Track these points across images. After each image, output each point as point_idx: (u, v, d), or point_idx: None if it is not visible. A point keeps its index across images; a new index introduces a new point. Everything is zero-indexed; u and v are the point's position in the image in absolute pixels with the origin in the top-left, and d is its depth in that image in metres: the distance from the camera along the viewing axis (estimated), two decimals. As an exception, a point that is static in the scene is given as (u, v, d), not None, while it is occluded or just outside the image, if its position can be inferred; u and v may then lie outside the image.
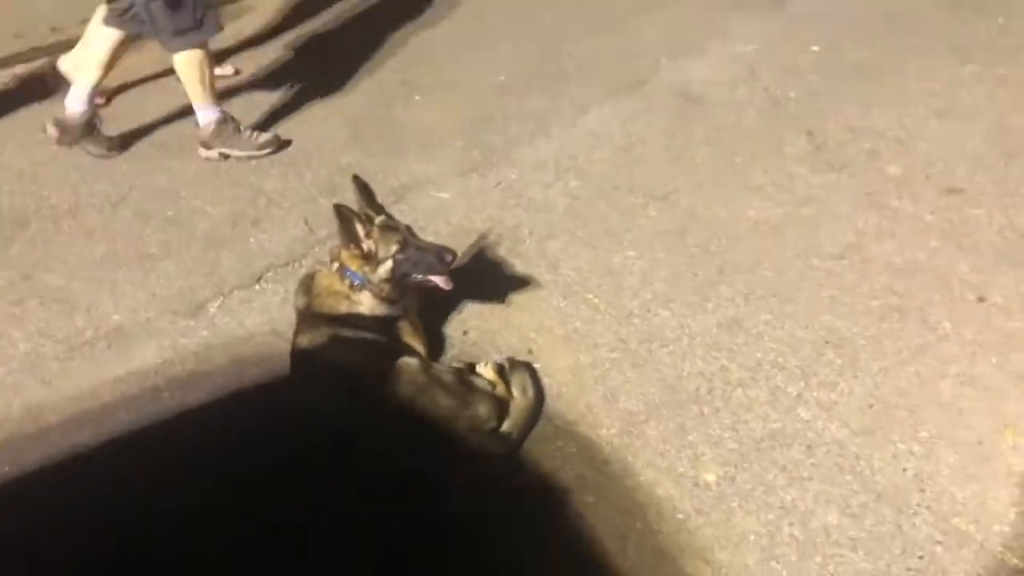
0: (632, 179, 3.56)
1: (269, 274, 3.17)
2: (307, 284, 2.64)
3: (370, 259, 2.55)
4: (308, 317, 2.57)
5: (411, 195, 3.54)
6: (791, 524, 2.16)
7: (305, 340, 2.51)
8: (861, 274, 2.91)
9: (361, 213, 2.59)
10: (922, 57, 4.23)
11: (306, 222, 3.41)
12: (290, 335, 2.72)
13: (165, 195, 3.62)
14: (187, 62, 3.62)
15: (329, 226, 3.29)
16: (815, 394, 2.50)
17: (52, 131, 3.80)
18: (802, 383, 2.54)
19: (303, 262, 3.20)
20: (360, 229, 2.54)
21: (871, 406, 2.45)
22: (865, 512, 2.17)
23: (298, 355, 2.52)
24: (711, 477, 2.29)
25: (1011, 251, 2.93)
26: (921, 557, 2.05)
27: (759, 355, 2.65)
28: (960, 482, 2.22)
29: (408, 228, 2.66)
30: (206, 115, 3.78)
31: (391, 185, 3.61)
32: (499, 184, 3.60)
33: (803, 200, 3.32)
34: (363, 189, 2.71)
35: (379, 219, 2.62)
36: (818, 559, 2.08)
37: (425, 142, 3.92)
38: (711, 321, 2.79)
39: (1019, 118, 3.65)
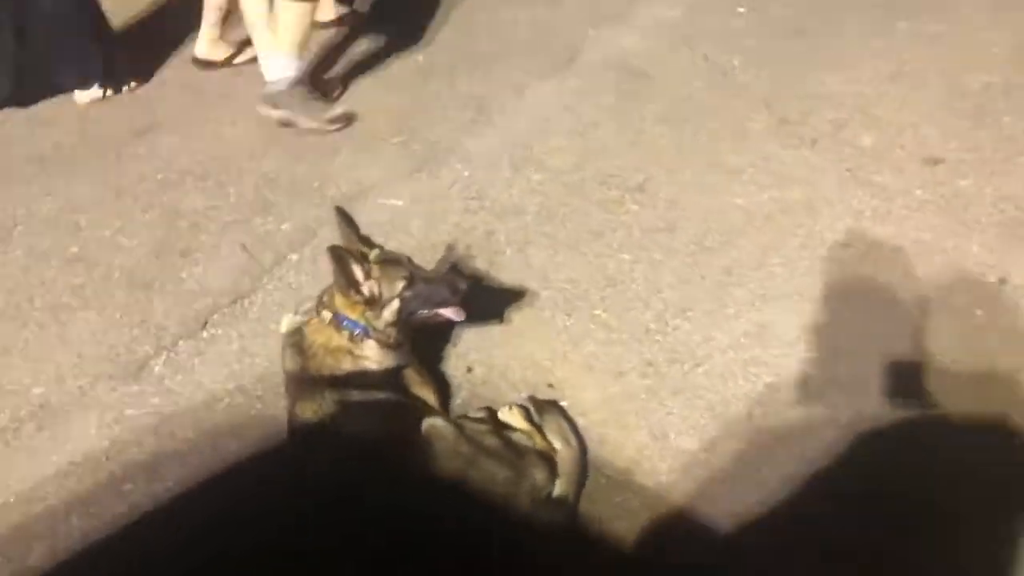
0: (597, 169, 3.28)
1: (215, 316, 2.69)
2: (296, 342, 2.20)
3: (373, 303, 2.16)
4: (305, 382, 2.15)
5: (358, 205, 3.11)
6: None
7: (308, 411, 2.09)
8: (874, 263, 2.76)
9: (354, 250, 2.19)
10: (853, 14, 4.12)
11: (244, 248, 2.93)
12: (261, 392, 2.31)
13: (60, 226, 3.03)
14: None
15: (274, 250, 2.86)
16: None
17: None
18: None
19: (253, 299, 2.74)
20: (358, 270, 2.14)
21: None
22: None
23: (301, 430, 2.10)
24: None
25: (1014, 225, 2.84)
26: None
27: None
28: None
29: (408, 259, 2.29)
30: (286, 66, 3.26)
31: (330, 195, 3.17)
32: (455, 184, 3.23)
33: (786, 182, 3.13)
34: (347, 220, 2.31)
35: (374, 253, 2.24)
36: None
37: (355, 139, 3.48)
38: (737, 330, 2.56)
39: (970, 77, 3.58)
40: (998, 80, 3.54)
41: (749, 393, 2.37)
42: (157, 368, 2.52)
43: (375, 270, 2.17)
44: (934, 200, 2.98)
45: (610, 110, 3.59)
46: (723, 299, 2.67)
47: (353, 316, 2.16)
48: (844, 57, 3.81)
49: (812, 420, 2.29)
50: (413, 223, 3.04)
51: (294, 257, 2.86)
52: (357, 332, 2.17)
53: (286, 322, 2.29)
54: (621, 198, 3.11)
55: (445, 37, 4.16)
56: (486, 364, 2.48)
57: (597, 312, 2.65)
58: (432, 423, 2.08)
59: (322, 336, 2.17)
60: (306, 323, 2.22)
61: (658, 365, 2.47)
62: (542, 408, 2.29)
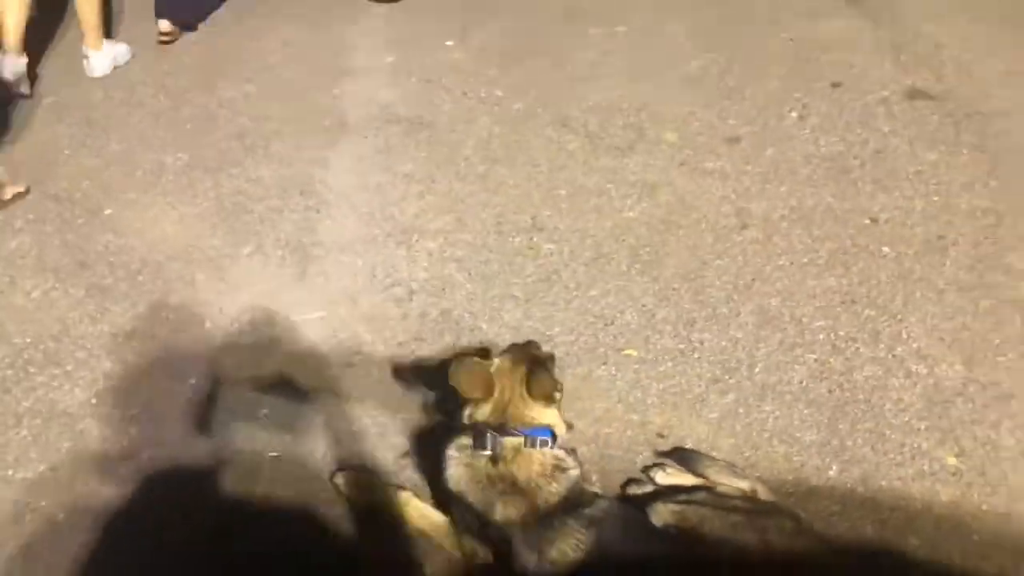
0: (478, 220, 3.13)
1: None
2: (503, 487, 1.80)
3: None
4: (542, 521, 1.78)
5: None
6: None
7: (568, 549, 1.74)
8: (822, 262, 2.95)
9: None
10: (557, 28, 4.38)
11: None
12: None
13: None
14: None
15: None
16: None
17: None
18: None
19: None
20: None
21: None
22: None
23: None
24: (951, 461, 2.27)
25: (837, 171, 3.33)
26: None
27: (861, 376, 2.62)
28: None
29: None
30: None
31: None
32: (357, 276, 2.84)
33: (648, 188, 3.29)
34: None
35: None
36: None
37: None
38: (748, 324, 2.69)
39: (695, 63, 4.04)
40: (713, 60, 4.06)
41: (812, 371, 2.51)
42: None
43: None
44: (767, 172, 3.36)
45: (421, 166, 3.42)
46: (707, 302, 2.76)
47: (542, 423, 1.83)
48: (585, 69, 4.06)
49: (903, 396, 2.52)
50: (359, 328, 2.61)
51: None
52: (547, 440, 1.85)
53: (455, 472, 1.85)
54: (534, 242, 3.02)
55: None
56: (580, 441, 2.25)
57: (628, 352, 2.57)
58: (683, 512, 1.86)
59: (530, 463, 1.81)
60: (494, 460, 1.81)
61: (723, 379, 2.49)
62: (693, 459, 2.18)
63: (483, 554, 1.88)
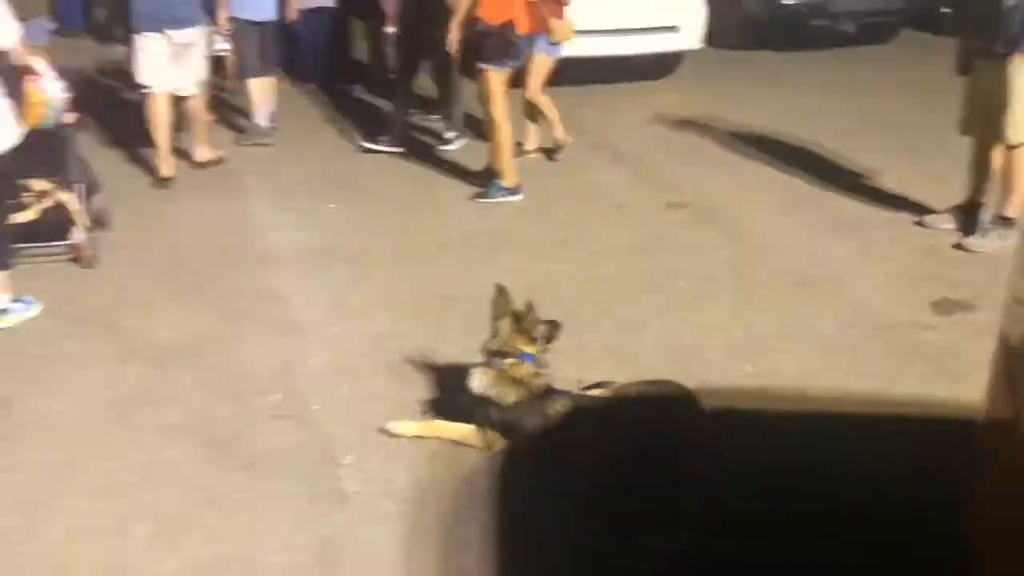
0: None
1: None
2: (504, 384, 2.93)
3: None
4: (546, 394, 2.94)
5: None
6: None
7: (554, 409, 2.90)
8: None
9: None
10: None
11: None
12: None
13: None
14: None
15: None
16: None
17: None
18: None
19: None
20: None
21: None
22: None
23: (557, 422, 2.87)
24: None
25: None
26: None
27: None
28: None
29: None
30: None
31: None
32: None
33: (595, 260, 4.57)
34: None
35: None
36: None
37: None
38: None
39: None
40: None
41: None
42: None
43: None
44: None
45: (407, 280, 4.37)
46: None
47: (529, 351, 3.01)
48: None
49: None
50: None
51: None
52: (531, 362, 3.02)
53: (477, 380, 2.96)
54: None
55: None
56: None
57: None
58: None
59: (520, 371, 2.96)
60: (502, 372, 2.94)
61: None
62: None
63: (498, 441, 2.95)
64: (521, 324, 2.98)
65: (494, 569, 2.49)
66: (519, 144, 5.94)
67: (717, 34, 9.22)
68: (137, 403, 3.31)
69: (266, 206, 5.43)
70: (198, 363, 3.58)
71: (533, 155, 6.19)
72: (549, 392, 2.95)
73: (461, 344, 3.53)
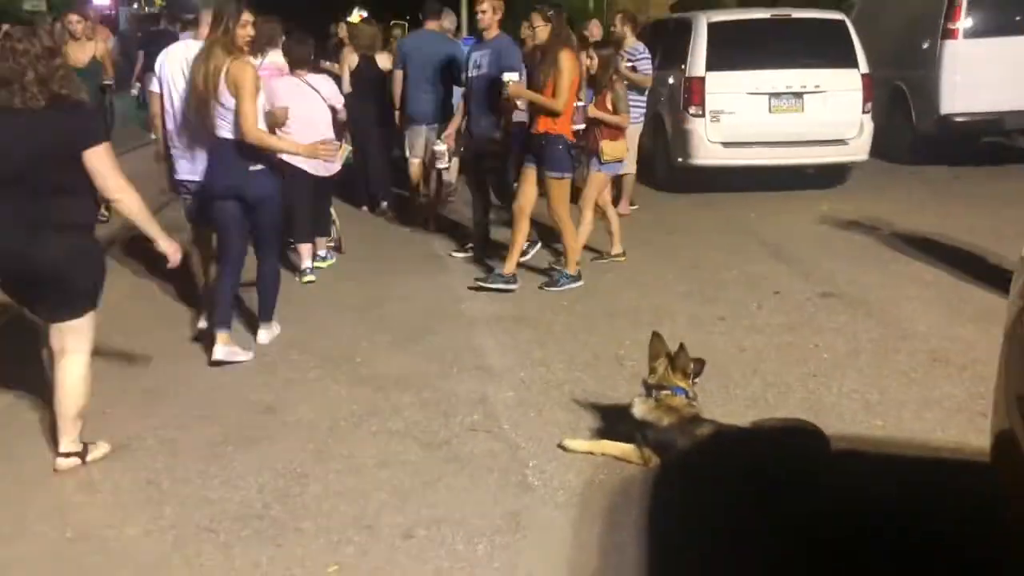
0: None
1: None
2: (661, 410, 3.62)
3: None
4: (685, 422, 3.59)
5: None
6: None
7: (703, 431, 3.55)
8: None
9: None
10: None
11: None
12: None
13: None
14: None
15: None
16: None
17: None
18: None
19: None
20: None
21: None
22: None
23: (701, 441, 3.52)
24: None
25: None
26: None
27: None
28: None
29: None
30: None
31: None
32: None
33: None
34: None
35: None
36: None
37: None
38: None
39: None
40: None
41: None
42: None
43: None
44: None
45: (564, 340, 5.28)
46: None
47: (682, 385, 3.69)
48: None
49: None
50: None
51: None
52: (683, 394, 3.69)
53: (638, 408, 3.66)
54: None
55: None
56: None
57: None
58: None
59: (675, 402, 3.64)
60: (659, 401, 3.64)
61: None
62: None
63: (653, 458, 3.62)
64: (675, 362, 3.68)
65: (644, 548, 3.14)
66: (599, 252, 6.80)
67: (886, 147, 9.71)
68: (368, 415, 4.21)
69: (459, 282, 6.40)
70: (413, 390, 4.46)
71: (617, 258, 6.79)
72: (698, 419, 3.61)
73: (625, 390, 4.25)
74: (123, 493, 3.54)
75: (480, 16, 6.54)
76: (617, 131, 6.42)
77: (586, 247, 6.61)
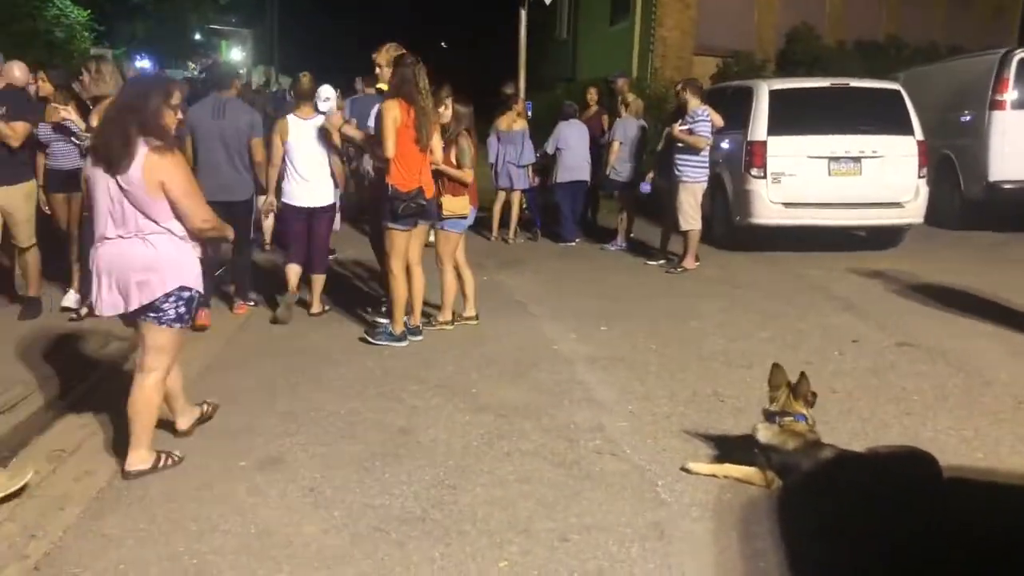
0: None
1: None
2: (786, 435, 3.91)
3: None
4: (809, 447, 3.89)
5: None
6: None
7: (825, 454, 3.84)
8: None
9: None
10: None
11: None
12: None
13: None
14: None
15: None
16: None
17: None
18: None
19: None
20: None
21: None
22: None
23: (826, 463, 3.81)
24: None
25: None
26: None
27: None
28: None
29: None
30: None
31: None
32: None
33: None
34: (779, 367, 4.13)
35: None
36: None
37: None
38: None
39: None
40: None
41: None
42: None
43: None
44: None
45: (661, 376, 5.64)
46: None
47: (803, 412, 4.00)
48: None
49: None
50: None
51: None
52: (804, 420, 4.00)
53: (763, 434, 3.96)
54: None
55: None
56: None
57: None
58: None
59: (798, 427, 3.95)
60: (782, 427, 3.94)
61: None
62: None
63: (776, 480, 3.91)
64: (797, 390, 3.99)
65: (784, 557, 3.41)
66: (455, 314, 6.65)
67: (933, 213, 10.07)
68: (496, 438, 4.52)
69: (550, 326, 6.75)
70: (534, 418, 4.78)
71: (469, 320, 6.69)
72: (819, 444, 3.91)
73: (731, 423, 4.61)
74: (290, 498, 3.85)
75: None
76: (460, 186, 6.34)
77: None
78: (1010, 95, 10.34)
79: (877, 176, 9.30)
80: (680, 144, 8.70)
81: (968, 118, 10.79)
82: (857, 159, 9.32)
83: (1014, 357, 5.86)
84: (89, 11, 21.20)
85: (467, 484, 3.98)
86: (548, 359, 5.90)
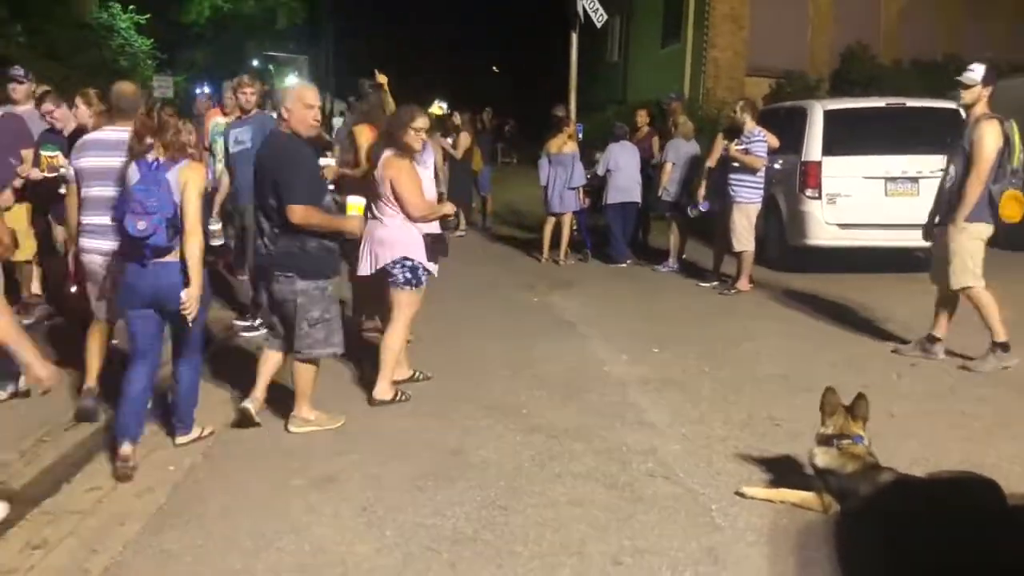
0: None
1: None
2: (845, 458, 3.84)
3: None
4: (867, 471, 3.81)
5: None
6: None
7: (885, 478, 3.76)
8: None
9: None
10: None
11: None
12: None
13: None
14: None
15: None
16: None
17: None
18: None
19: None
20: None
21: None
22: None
23: (884, 487, 3.73)
24: None
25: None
26: None
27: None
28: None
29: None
30: None
31: None
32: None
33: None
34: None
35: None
36: None
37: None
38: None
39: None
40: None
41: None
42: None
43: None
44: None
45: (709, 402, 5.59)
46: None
47: (861, 434, 3.92)
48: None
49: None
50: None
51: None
52: (861, 442, 3.92)
53: (820, 458, 3.90)
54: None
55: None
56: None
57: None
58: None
59: (857, 450, 3.87)
60: (840, 450, 3.87)
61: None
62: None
63: (834, 505, 3.84)
64: (856, 411, 3.92)
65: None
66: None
67: (1002, 233, 9.79)
68: (548, 459, 4.52)
69: (602, 348, 6.73)
70: (585, 439, 4.76)
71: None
72: (878, 467, 3.83)
73: (786, 447, 4.55)
74: (343, 518, 3.88)
75: (248, 98, 6.88)
76: None
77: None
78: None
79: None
80: (735, 164, 8.64)
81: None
82: (915, 179, 9.16)
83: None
84: (152, 40, 21.88)
85: (518, 505, 3.97)
86: (599, 381, 5.88)
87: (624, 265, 10.45)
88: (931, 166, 9.05)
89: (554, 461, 4.48)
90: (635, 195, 10.42)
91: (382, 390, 5.27)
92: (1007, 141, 5.92)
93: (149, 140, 4.21)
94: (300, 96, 4.61)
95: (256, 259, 5.04)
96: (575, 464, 4.44)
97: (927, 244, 9.47)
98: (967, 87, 6.03)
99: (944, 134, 9.18)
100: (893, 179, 9.17)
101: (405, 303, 5.29)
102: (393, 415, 5.17)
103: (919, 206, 9.05)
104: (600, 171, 10.51)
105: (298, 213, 4.43)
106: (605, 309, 8.23)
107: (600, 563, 3.46)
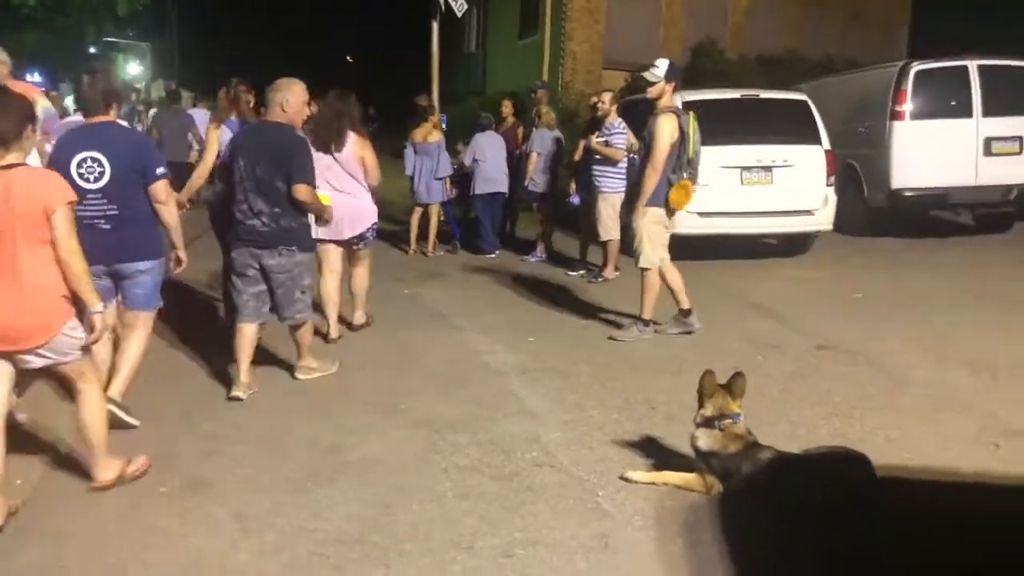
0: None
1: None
2: (726, 439, 3.92)
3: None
4: (750, 448, 3.90)
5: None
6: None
7: (764, 456, 3.86)
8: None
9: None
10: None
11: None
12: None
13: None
14: None
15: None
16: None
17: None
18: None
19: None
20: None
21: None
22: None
23: (763, 466, 3.83)
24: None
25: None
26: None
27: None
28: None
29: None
30: None
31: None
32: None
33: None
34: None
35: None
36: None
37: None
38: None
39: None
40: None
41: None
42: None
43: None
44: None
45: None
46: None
47: (738, 411, 4.01)
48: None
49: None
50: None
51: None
52: (739, 420, 4.01)
53: (703, 440, 3.96)
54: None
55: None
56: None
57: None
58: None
59: (738, 429, 3.96)
60: (723, 430, 3.94)
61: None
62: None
63: (717, 485, 3.91)
64: (734, 389, 4.00)
65: (731, 563, 3.40)
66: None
67: (844, 219, 10.39)
68: (431, 453, 4.42)
69: (477, 339, 6.68)
70: (468, 432, 4.68)
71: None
72: (758, 445, 3.92)
73: (663, 430, 4.63)
74: (220, 524, 3.66)
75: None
76: None
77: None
78: (909, 106, 10.74)
79: (788, 185, 9.53)
80: (598, 156, 8.74)
81: (870, 128, 11.17)
82: (768, 168, 9.53)
83: (926, 356, 6.04)
84: (-30, 19, 20.20)
85: (404, 502, 3.86)
86: (477, 371, 5.82)
87: (493, 256, 10.44)
88: (784, 156, 9.51)
89: (438, 455, 4.38)
90: (502, 185, 10.40)
91: (361, 316, 6.85)
92: (683, 134, 6.30)
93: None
94: (300, 94, 5.30)
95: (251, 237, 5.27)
96: (459, 457, 4.35)
97: (780, 231, 10.03)
98: (651, 83, 6.36)
99: (794, 124, 9.67)
100: (748, 168, 9.51)
101: (369, 255, 6.77)
102: (263, 412, 4.94)
103: (772, 194, 9.50)
104: (467, 162, 10.44)
105: (305, 191, 5.12)
106: (477, 300, 8.17)
107: (491, 557, 3.39)
